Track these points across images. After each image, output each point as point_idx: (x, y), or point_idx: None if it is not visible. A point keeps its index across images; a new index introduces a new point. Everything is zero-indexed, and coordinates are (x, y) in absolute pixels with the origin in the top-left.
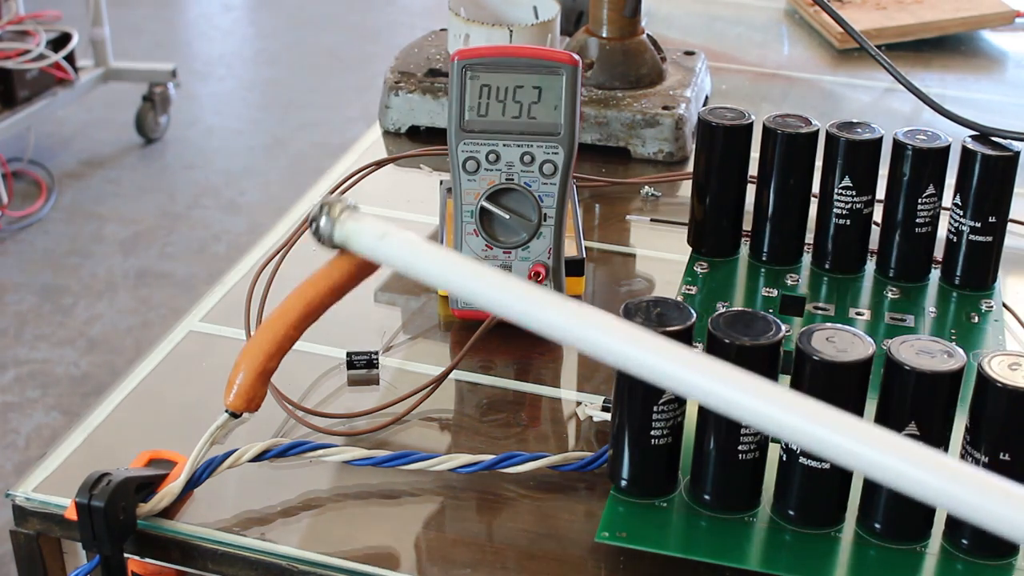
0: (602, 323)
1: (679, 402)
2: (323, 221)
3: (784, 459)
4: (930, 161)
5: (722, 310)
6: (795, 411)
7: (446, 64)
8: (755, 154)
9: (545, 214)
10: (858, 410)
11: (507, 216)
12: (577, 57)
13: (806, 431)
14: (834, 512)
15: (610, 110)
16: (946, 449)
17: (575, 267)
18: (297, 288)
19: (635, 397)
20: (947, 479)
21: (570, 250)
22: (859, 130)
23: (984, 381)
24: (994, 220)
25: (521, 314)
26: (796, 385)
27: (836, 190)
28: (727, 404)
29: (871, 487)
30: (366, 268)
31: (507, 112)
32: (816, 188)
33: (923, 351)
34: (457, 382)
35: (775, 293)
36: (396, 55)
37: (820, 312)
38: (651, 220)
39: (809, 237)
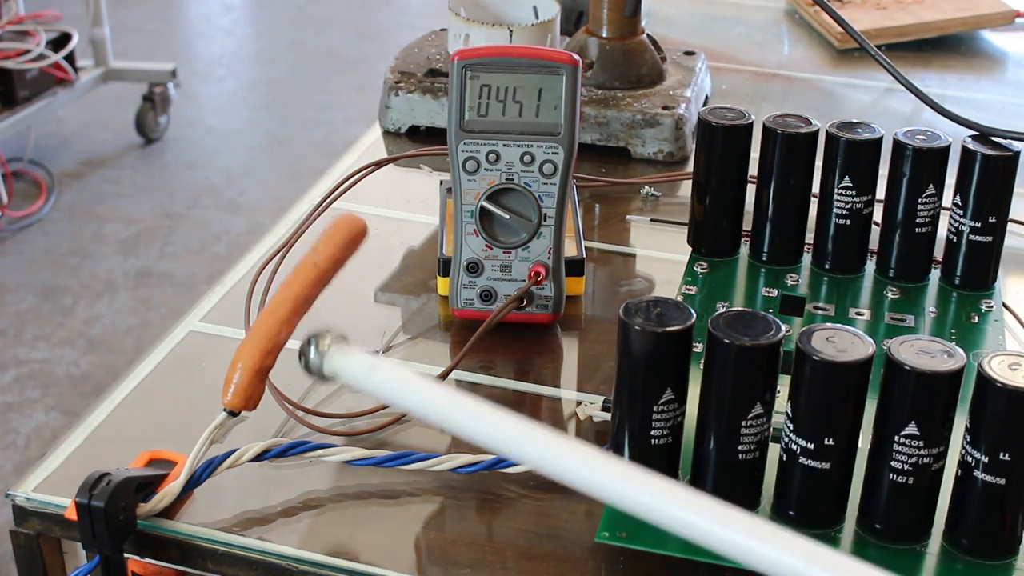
0: (599, 460)
1: (679, 402)
2: (312, 355)
3: (784, 459)
4: (930, 161)
5: (722, 310)
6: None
7: (446, 64)
8: (755, 154)
9: (545, 214)
10: (858, 410)
11: (507, 216)
12: (577, 57)
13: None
14: (834, 512)
15: (610, 110)
16: (946, 449)
17: (575, 267)
18: (284, 282)
19: (635, 397)
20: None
21: (570, 250)
22: (859, 130)
23: (984, 381)
24: (994, 220)
25: (517, 451)
26: (796, 385)
27: (836, 190)
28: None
29: (871, 487)
30: (347, 252)
31: (507, 112)
32: (816, 188)
33: (923, 351)
34: (457, 382)
35: (775, 293)
36: (396, 55)
37: (820, 312)
38: (651, 220)
39: (809, 237)
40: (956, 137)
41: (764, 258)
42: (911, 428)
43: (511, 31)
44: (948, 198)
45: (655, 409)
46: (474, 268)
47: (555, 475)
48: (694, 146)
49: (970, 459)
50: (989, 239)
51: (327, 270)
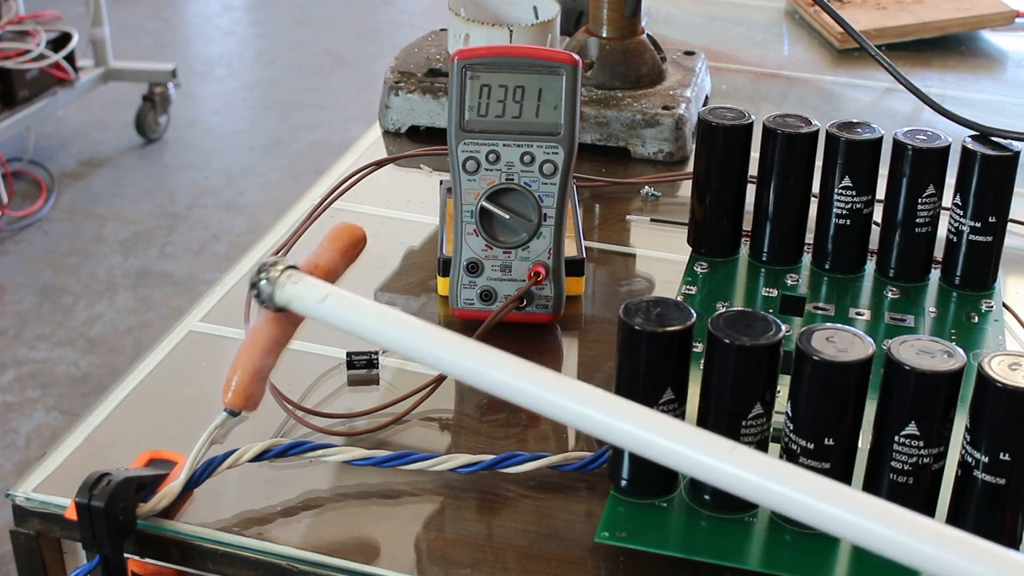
0: (548, 381)
1: (679, 402)
2: (263, 284)
3: (784, 459)
4: (930, 161)
5: (722, 310)
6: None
7: (446, 64)
8: (755, 154)
9: (545, 214)
10: (858, 410)
11: (507, 216)
12: (577, 57)
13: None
14: None
15: (610, 110)
16: (946, 449)
17: (575, 267)
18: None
19: (635, 397)
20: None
21: (570, 250)
22: (859, 130)
23: (984, 381)
24: (994, 220)
25: (464, 371)
26: (796, 385)
27: (836, 190)
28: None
29: (871, 487)
30: (347, 258)
31: (507, 112)
32: (816, 188)
33: (923, 351)
34: (457, 382)
35: (775, 293)
36: (396, 55)
37: (820, 312)
38: (651, 220)
39: (809, 237)
40: (956, 137)
41: (764, 258)
42: (911, 428)
43: (511, 31)
44: (948, 198)
45: (655, 409)
46: (474, 268)
47: (503, 394)
48: (694, 146)
49: (970, 459)
50: (989, 239)
51: (328, 272)
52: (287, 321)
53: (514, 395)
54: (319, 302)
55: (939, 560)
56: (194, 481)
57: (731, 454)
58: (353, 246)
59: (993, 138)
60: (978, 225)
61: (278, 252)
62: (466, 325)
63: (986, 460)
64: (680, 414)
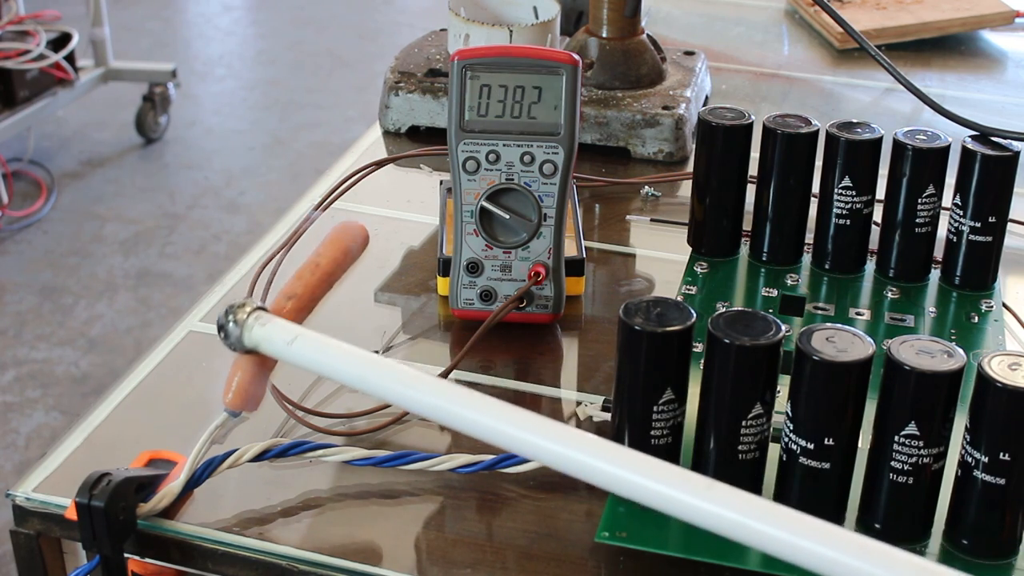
0: (516, 419)
1: (679, 402)
2: (231, 327)
3: (784, 459)
4: (930, 161)
5: (722, 310)
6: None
7: (446, 64)
8: (755, 154)
9: (545, 214)
10: (858, 410)
11: (507, 216)
12: (577, 57)
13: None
14: (834, 512)
15: (610, 110)
16: (946, 449)
17: (575, 267)
18: (286, 284)
19: (635, 397)
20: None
21: (570, 250)
22: (859, 130)
23: (984, 381)
24: (994, 220)
25: (433, 410)
26: (796, 385)
27: (836, 190)
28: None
29: (871, 487)
30: (349, 257)
31: (507, 112)
32: (816, 188)
33: (923, 351)
34: (457, 382)
35: (775, 293)
36: (396, 55)
37: (820, 312)
38: (651, 220)
39: (809, 237)
40: (956, 137)
41: (764, 258)
42: (911, 428)
43: (511, 31)
44: (948, 198)
45: (655, 409)
46: (474, 268)
47: (476, 434)
48: (694, 146)
49: (970, 459)
50: (989, 239)
51: (330, 272)
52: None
53: (487, 435)
54: (288, 344)
55: None
56: (194, 481)
57: (708, 492)
58: (356, 245)
59: (993, 138)
60: (978, 225)
61: (278, 252)
62: (466, 325)
63: (986, 460)
64: (680, 414)
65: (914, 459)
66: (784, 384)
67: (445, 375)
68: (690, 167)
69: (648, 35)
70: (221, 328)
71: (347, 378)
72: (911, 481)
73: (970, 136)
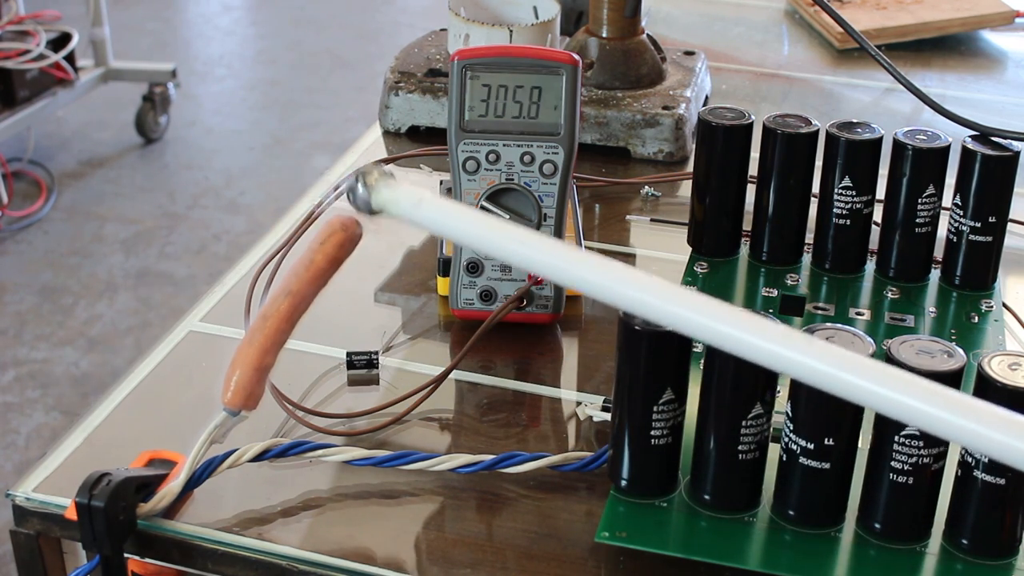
0: (634, 280)
1: (679, 402)
2: (360, 190)
3: (784, 459)
4: (930, 161)
5: None
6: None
7: (446, 64)
8: (755, 154)
9: (545, 214)
10: (858, 410)
11: (507, 216)
12: (577, 57)
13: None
14: (834, 512)
15: (610, 110)
16: (946, 449)
17: None
18: (281, 281)
19: (635, 397)
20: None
21: None
22: (859, 130)
23: (984, 381)
24: (994, 220)
25: (554, 270)
26: (796, 385)
27: (836, 190)
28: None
29: (871, 487)
30: (344, 251)
31: (507, 112)
32: (816, 188)
33: (923, 351)
34: (457, 382)
35: (775, 293)
36: (396, 55)
37: (820, 312)
38: (651, 220)
39: (809, 237)
40: (956, 137)
41: (764, 258)
42: (911, 428)
43: (511, 31)
44: (948, 198)
45: (655, 409)
46: (474, 268)
47: (599, 295)
48: (694, 146)
49: (970, 459)
50: (989, 239)
51: (324, 268)
52: (284, 318)
53: (594, 291)
54: (415, 206)
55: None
56: (194, 481)
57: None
58: (349, 239)
59: (993, 138)
60: (978, 225)
61: (278, 252)
62: (466, 325)
63: (986, 460)
64: (680, 414)
65: (914, 459)
66: (784, 384)
67: (445, 375)
68: (690, 167)
69: (648, 35)
70: (350, 191)
71: (469, 238)
72: (911, 481)
73: (970, 136)
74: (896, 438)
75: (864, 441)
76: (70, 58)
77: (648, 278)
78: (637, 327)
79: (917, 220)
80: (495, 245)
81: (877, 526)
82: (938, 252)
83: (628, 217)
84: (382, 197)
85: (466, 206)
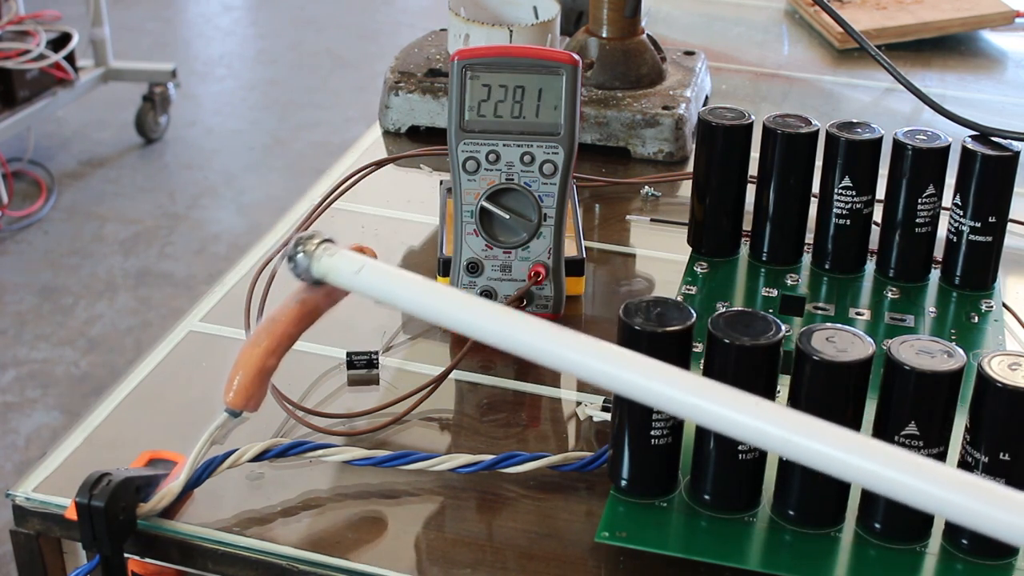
0: (576, 344)
1: None
2: (300, 258)
3: (784, 459)
4: (930, 161)
5: (722, 310)
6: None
7: (446, 64)
8: (755, 154)
9: (545, 214)
10: (858, 410)
11: (507, 216)
12: (577, 57)
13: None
14: (834, 512)
15: (610, 110)
16: (946, 449)
17: (575, 267)
18: (296, 287)
19: None
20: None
21: (570, 250)
22: (859, 130)
23: (984, 381)
24: (994, 220)
25: (498, 337)
26: (796, 385)
27: (836, 190)
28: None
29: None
30: (321, 311)
31: (507, 112)
32: (816, 188)
33: (923, 351)
34: (457, 382)
35: (775, 293)
36: (396, 55)
37: (820, 312)
38: (651, 220)
39: (809, 237)
40: (956, 137)
41: (764, 258)
42: (911, 428)
43: (511, 31)
44: (948, 198)
45: (655, 409)
46: (474, 268)
47: (541, 360)
48: (694, 146)
49: (970, 459)
50: (989, 239)
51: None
52: (293, 323)
53: (538, 357)
54: (355, 273)
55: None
56: (194, 481)
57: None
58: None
59: (993, 138)
60: (978, 225)
61: (278, 252)
62: None
63: (986, 460)
64: None
65: None
66: (784, 384)
67: (445, 375)
68: (690, 167)
69: (648, 35)
70: (290, 259)
71: (411, 306)
72: None
73: (970, 136)
74: (896, 438)
75: None
76: (70, 58)
77: (592, 343)
78: (637, 327)
79: (917, 220)
80: (438, 311)
81: (877, 526)
82: (938, 252)
83: (628, 217)
84: (322, 265)
85: (407, 272)
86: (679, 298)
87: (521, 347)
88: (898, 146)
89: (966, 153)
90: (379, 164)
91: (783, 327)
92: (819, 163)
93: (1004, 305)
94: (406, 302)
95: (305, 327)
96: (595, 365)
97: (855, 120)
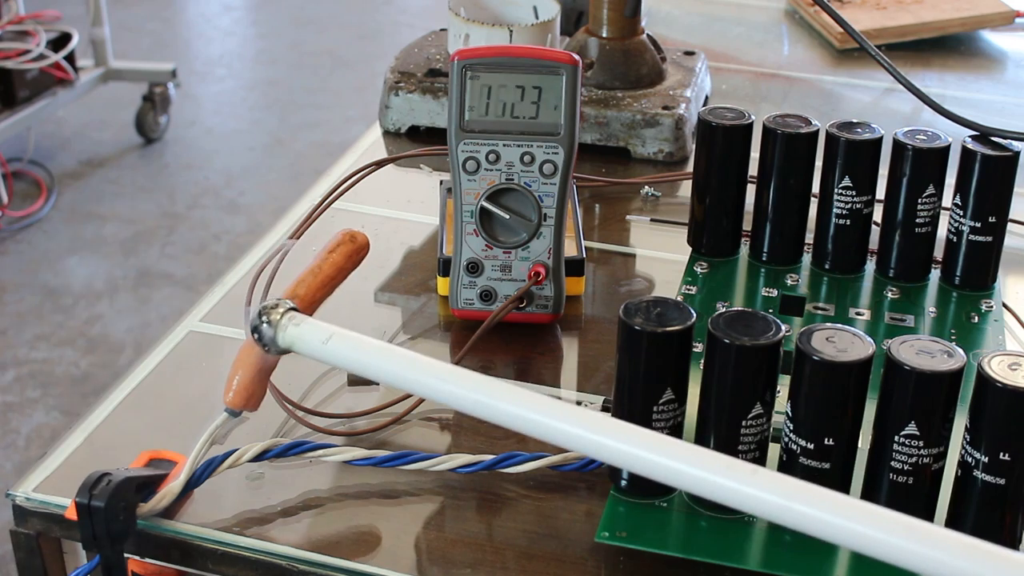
0: (552, 412)
1: (679, 402)
2: (264, 328)
3: (784, 459)
4: (930, 161)
5: (722, 310)
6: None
7: (446, 64)
8: (755, 154)
9: (545, 214)
10: (858, 410)
11: (507, 216)
12: (577, 57)
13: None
14: None
15: (610, 110)
16: (946, 449)
17: (575, 267)
18: (289, 285)
19: (635, 397)
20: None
21: (570, 250)
22: (859, 130)
23: (984, 381)
24: (994, 220)
25: (470, 404)
26: (796, 385)
27: (836, 190)
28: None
29: (871, 487)
30: (352, 262)
31: (507, 112)
32: (816, 188)
33: (923, 351)
34: None
35: (775, 293)
36: (396, 55)
37: (820, 312)
38: (651, 220)
39: (809, 237)
40: (956, 137)
41: (764, 258)
42: (911, 428)
43: (511, 31)
44: (948, 198)
45: (655, 409)
46: (474, 268)
47: (514, 426)
48: (694, 146)
49: (970, 459)
50: (989, 239)
51: (331, 276)
52: None
53: (524, 426)
54: (323, 343)
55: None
56: (194, 481)
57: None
58: (357, 251)
59: (993, 138)
60: (978, 225)
61: (278, 252)
62: (466, 325)
63: (986, 460)
64: (680, 414)
65: (914, 459)
66: (784, 384)
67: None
68: (690, 167)
69: (648, 35)
70: (255, 330)
71: (383, 376)
72: (911, 481)
73: (970, 136)
74: (896, 438)
75: (864, 441)
76: (70, 58)
77: (571, 410)
78: (637, 327)
79: (917, 220)
80: (408, 380)
81: None
82: (938, 252)
83: (628, 217)
84: (288, 336)
85: (375, 341)
86: (679, 298)
87: (499, 416)
88: (898, 146)
89: (966, 153)
90: (379, 164)
91: (783, 327)
92: (819, 163)
93: (1004, 305)
94: (376, 371)
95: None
96: (587, 437)
97: (855, 120)
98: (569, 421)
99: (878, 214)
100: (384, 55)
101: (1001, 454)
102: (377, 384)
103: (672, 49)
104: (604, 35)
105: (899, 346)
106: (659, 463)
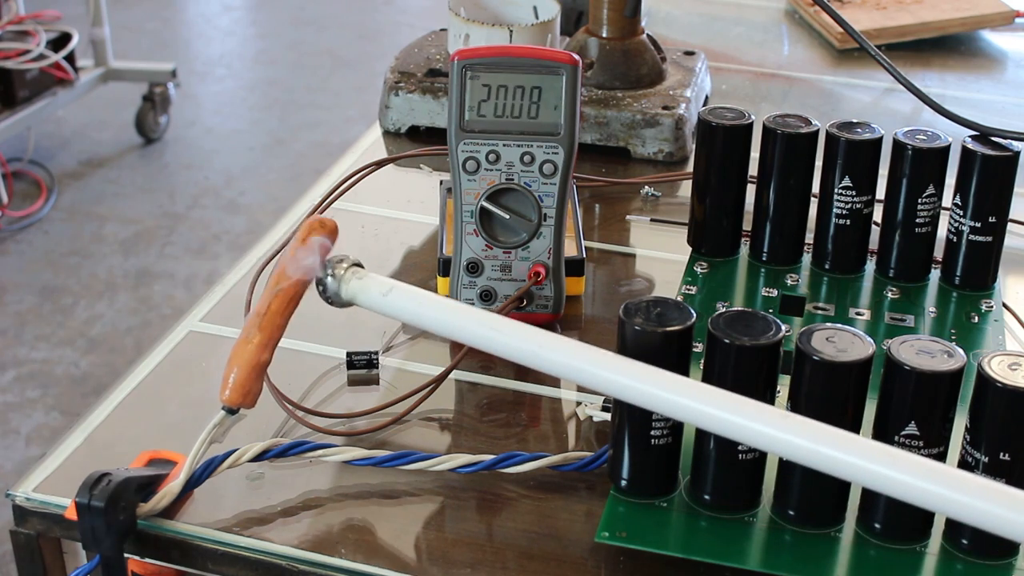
0: (600, 361)
1: None
2: (329, 281)
3: (784, 459)
4: (930, 161)
5: (722, 310)
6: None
7: (446, 64)
8: (755, 154)
9: (545, 214)
10: (858, 410)
11: (507, 216)
12: (577, 57)
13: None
14: (834, 512)
15: (610, 110)
16: (946, 449)
17: (575, 267)
18: (270, 279)
19: None
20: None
21: (570, 250)
22: (859, 130)
23: (984, 381)
24: (994, 220)
25: (527, 355)
26: (796, 385)
27: (836, 190)
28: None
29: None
30: (324, 249)
31: (507, 112)
32: (816, 188)
33: (923, 351)
34: (457, 382)
35: (775, 293)
36: (396, 55)
37: (820, 312)
38: (651, 220)
39: (809, 237)
40: (956, 137)
41: (764, 258)
42: (911, 428)
43: (511, 31)
44: (948, 198)
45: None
46: (474, 268)
47: (573, 379)
48: (694, 146)
49: (970, 459)
50: (989, 239)
51: (293, 295)
52: (277, 313)
53: (575, 376)
54: (383, 295)
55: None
56: (194, 481)
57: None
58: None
59: (993, 138)
60: (978, 225)
61: (278, 252)
62: None
63: (986, 460)
64: None
65: None
66: (784, 384)
67: (445, 375)
68: (690, 167)
69: (648, 35)
70: (320, 283)
71: (438, 326)
72: None
73: (970, 136)
74: (896, 438)
75: None
76: (70, 58)
77: (617, 360)
78: (637, 327)
79: (917, 220)
80: (466, 331)
81: (877, 526)
82: (938, 252)
83: (628, 217)
84: (352, 288)
85: (432, 295)
86: (679, 298)
87: (550, 365)
88: (898, 146)
89: (966, 153)
90: (379, 164)
91: (783, 327)
92: (819, 163)
93: (1004, 305)
94: (432, 322)
95: (290, 315)
96: (632, 385)
97: (855, 120)
98: (613, 369)
99: (878, 214)
100: (384, 55)
101: (1001, 454)
102: (378, 385)
103: (672, 49)
104: (604, 35)
105: (899, 346)
106: (702, 411)
